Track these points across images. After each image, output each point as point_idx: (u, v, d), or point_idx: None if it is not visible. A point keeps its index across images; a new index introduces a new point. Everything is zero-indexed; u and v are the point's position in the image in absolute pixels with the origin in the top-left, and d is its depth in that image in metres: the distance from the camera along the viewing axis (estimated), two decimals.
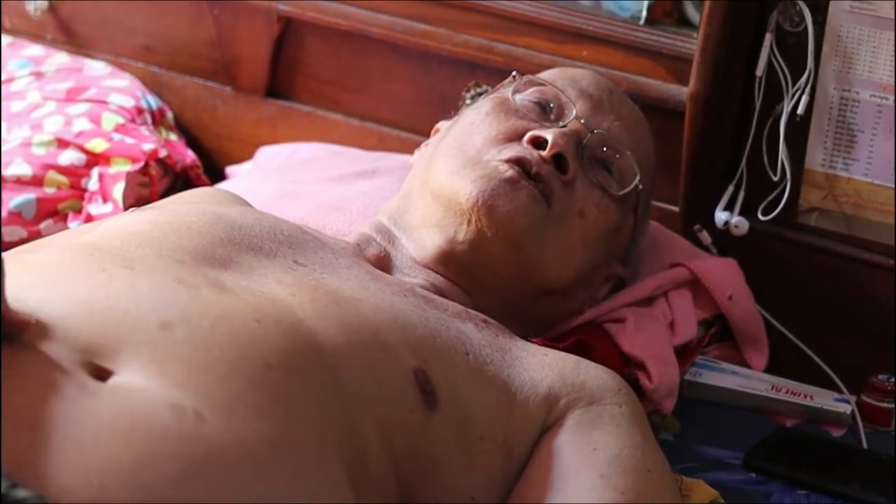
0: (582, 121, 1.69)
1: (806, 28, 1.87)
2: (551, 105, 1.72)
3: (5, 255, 1.34)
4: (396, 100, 2.20)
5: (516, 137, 1.66)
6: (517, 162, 1.62)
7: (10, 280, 1.25)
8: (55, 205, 2.09)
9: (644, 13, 2.00)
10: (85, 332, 1.20)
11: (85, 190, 2.11)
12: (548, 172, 1.63)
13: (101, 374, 1.17)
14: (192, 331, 1.23)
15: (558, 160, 1.64)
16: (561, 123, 1.69)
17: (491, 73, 2.01)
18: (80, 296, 1.24)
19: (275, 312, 1.31)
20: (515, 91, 1.73)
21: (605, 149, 1.70)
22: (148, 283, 1.29)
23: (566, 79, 1.76)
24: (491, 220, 1.60)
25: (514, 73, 1.78)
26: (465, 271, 1.63)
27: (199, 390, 1.18)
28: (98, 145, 2.14)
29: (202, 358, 1.21)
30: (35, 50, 2.37)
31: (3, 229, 2.04)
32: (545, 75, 1.79)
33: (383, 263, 1.62)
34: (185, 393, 1.17)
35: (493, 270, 1.63)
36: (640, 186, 1.72)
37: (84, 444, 1.10)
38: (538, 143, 1.65)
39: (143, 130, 2.20)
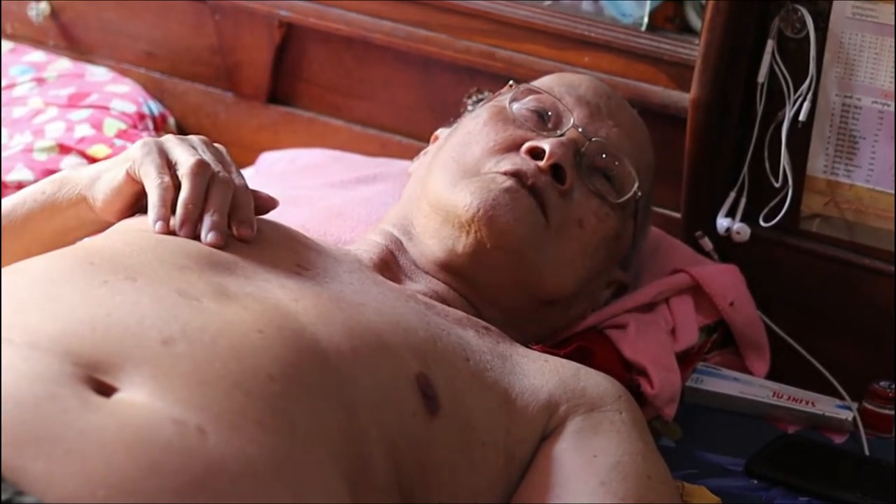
0: (580, 129, 1.69)
1: (808, 34, 1.87)
2: (549, 113, 1.71)
3: (9, 267, 1.35)
4: (398, 106, 2.20)
5: (514, 147, 1.66)
6: (514, 174, 1.62)
7: (12, 294, 1.26)
8: None
9: (646, 19, 2.00)
10: (88, 349, 1.21)
11: None
12: (545, 184, 1.63)
13: (105, 390, 1.18)
14: (193, 346, 1.24)
15: (556, 170, 1.64)
16: (558, 132, 1.68)
17: (492, 80, 2.01)
18: (81, 312, 1.25)
19: (278, 319, 1.31)
20: (513, 100, 1.72)
21: (603, 156, 1.70)
22: (149, 298, 1.29)
23: (564, 85, 1.76)
24: (490, 230, 1.60)
25: (511, 81, 1.77)
26: (466, 280, 1.63)
27: (201, 405, 1.19)
28: (100, 151, 2.14)
29: (204, 373, 1.22)
30: (37, 56, 2.38)
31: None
32: (543, 82, 1.79)
33: (385, 270, 1.62)
34: (187, 408, 1.18)
35: (494, 281, 1.63)
36: (639, 193, 1.72)
37: (88, 456, 1.11)
38: (535, 153, 1.64)
39: (145, 136, 2.20)
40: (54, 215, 1.53)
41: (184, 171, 1.44)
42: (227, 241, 1.44)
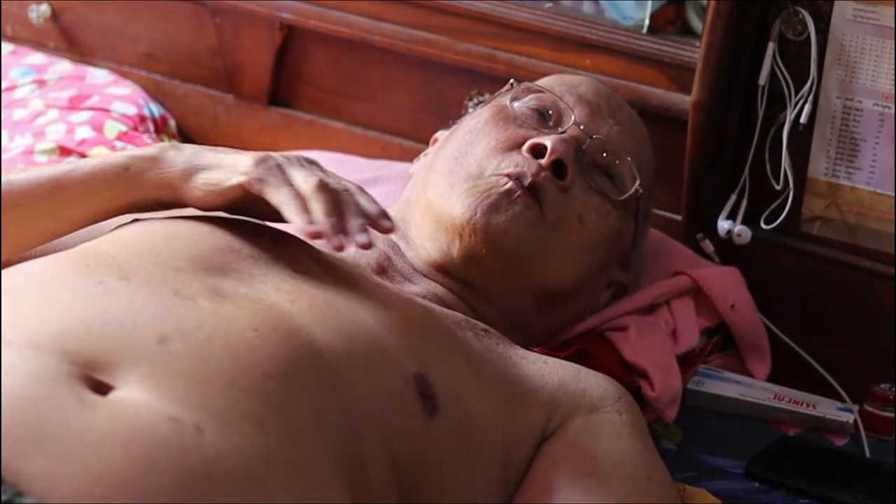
0: (581, 127, 1.69)
1: (809, 37, 1.87)
2: (550, 112, 1.72)
3: (6, 270, 1.35)
4: (398, 108, 2.20)
5: (515, 146, 1.66)
6: (515, 177, 1.62)
7: (10, 295, 1.26)
8: None
9: (647, 22, 2.00)
10: (84, 348, 1.21)
11: None
12: (544, 179, 1.63)
13: (102, 389, 1.18)
14: (188, 344, 1.24)
15: (557, 166, 1.64)
16: (560, 130, 1.69)
17: (493, 82, 2.01)
18: (77, 311, 1.25)
19: (273, 319, 1.31)
20: (514, 99, 1.73)
21: (604, 154, 1.70)
22: (144, 297, 1.29)
23: (564, 85, 1.76)
24: (486, 235, 1.60)
25: (511, 80, 1.78)
26: (463, 281, 1.63)
27: (198, 403, 1.19)
28: (100, 153, 2.14)
29: (200, 371, 1.22)
30: (37, 58, 2.38)
31: None
32: (543, 82, 1.79)
33: (382, 273, 1.62)
34: (183, 406, 1.18)
35: (491, 281, 1.64)
36: (640, 191, 1.72)
37: (85, 454, 1.11)
38: (537, 150, 1.64)
39: (146, 138, 2.21)
40: (135, 192, 1.48)
41: (309, 191, 1.41)
42: (221, 244, 1.44)
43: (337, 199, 1.41)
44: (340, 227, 1.38)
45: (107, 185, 1.48)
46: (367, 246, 1.38)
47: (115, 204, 1.48)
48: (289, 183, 1.42)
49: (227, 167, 1.46)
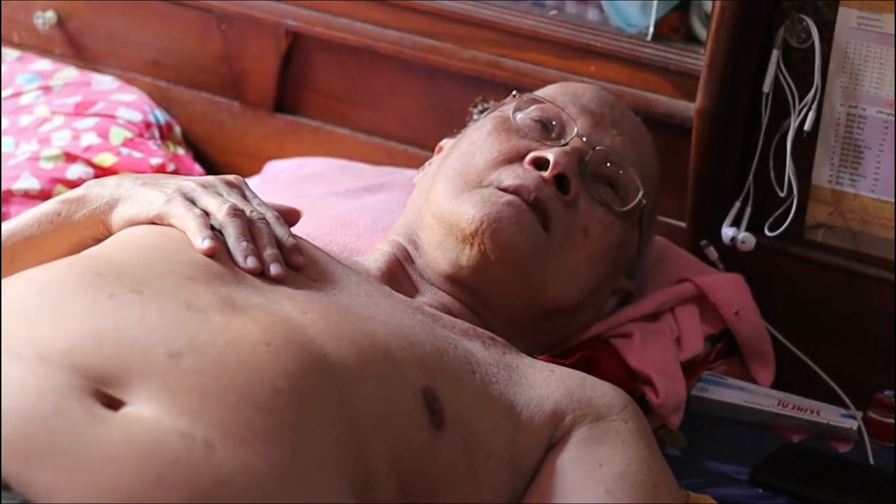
0: (584, 138, 1.69)
1: (813, 44, 1.88)
2: (553, 123, 1.71)
3: (12, 277, 1.34)
4: (403, 115, 2.20)
5: (518, 158, 1.66)
6: (514, 191, 1.62)
7: (20, 305, 1.26)
8: None
9: (651, 29, 2.00)
10: (96, 363, 1.21)
11: None
12: (548, 196, 1.63)
13: (113, 404, 1.18)
14: (200, 359, 1.24)
15: (560, 180, 1.64)
16: (562, 141, 1.69)
17: (498, 89, 2.01)
18: (88, 326, 1.25)
19: (285, 332, 1.31)
20: (516, 109, 1.72)
21: (607, 165, 1.70)
22: (156, 311, 1.29)
23: (567, 95, 1.76)
24: (495, 243, 1.60)
25: (514, 91, 1.78)
26: (470, 292, 1.63)
27: (209, 419, 1.19)
28: (106, 159, 2.15)
29: (211, 387, 1.22)
30: (43, 64, 2.38)
31: None
32: (546, 91, 1.79)
33: (393, 280, 1.62)
34: (194, 422, 1.18)
35: (498, 292, 1.63)
36: (644, 201, 1.72)
37: (95, 470, 1.11)
38: (539, 163, 1.64)
39: (151, 145, 2.21)
40: (71, 235, 1.54)
41: (221, 217, 1.45)
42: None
43: (251, 227, 1.46)
44: (252, 251, 1.43)
45: (45, 236, 1.54)
46: (280, 277, 1.42)
47: (59, 250, 1.53)
48: (197, 211, 1.46)
49: (143, 202, 1.50)
